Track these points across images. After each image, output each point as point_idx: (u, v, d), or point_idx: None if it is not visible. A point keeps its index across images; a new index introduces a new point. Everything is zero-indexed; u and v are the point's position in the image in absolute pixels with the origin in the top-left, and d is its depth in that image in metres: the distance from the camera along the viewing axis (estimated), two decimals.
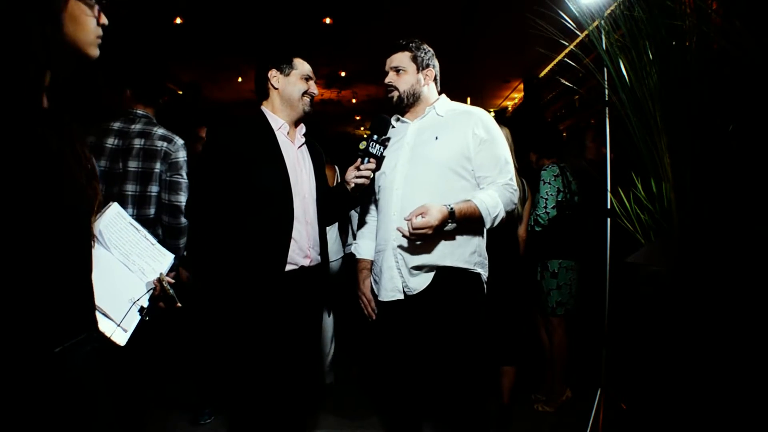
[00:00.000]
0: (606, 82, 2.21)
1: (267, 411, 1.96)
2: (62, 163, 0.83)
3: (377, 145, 1.95)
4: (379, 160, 1.98)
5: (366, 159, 1.95)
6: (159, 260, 1.55)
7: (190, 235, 2.41)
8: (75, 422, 0.87)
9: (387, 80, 2.04)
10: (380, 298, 2.00)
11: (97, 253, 1.33)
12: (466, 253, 1.92)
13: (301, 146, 2.09)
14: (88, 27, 0.92)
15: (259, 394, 1.94)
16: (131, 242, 1.50)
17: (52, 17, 0.85)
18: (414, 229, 1.78)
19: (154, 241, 1.57)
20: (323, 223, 2.09)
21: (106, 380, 0.96)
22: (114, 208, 1.50)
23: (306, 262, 1.99)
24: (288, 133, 2.05)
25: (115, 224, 1.47)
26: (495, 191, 1.91)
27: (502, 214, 1.90)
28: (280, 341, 1.94)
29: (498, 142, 1.97)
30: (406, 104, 2.04)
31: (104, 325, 1.25)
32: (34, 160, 0.78)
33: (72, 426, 0.86)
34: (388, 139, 2.03)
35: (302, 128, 2.11)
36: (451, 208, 1.82)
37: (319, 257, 2.05)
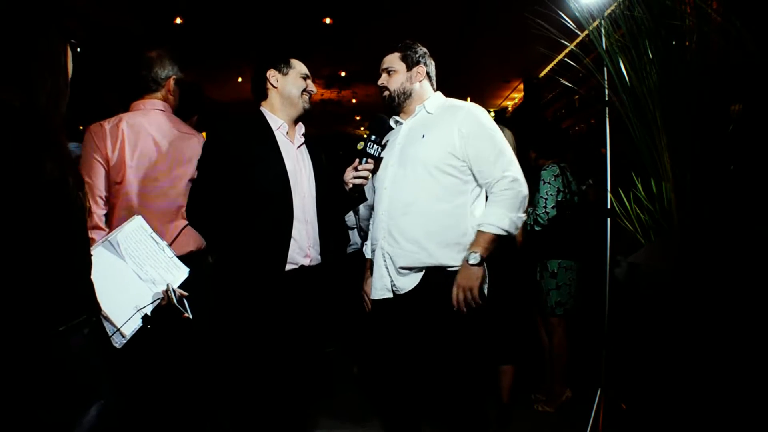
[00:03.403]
0: (606, 82, 2.21)
1: (267, 410, 1.96)
2: (63, 180, 1.02)
3: (375, 146, 1.95)
4: (377, 160, 1.99)
5: (364, 159, 1.95)
6: (173, 273, 1.62)
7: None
8: (72, 386, 1.01)
9: (379, 82, 2.07)
10: (371, 297, 2.01)
11: (112, 261, 1.48)
12: (453, 251, 1.91)
13: (300, 146, 2.10)
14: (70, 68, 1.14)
15: (258, 393, 1.94)
16: (148, 253, 1.59)
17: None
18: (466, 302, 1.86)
19: (171, 254, 1.65)
20: (323, 222, 2.09)
21: (104, 361, 1.09)
22: (137, 221, 1.61)
23: (306, 262, 2.00)
24: (287, 132, 2.06)
25: (134, 236, 1.58)
26: (495, 205, 1.89)
27: (515, 216, 1.88)
28: (281, 340, 1.94)
29: (487, 134, 1.93)
30: (398, 103, 2.04)
31: (105, 328, 1.32)
32: (40, 177, 1.00)
33: (70, 396, 1.01)
34: (387, 139, 2.03)
35: (301, 128, 2.12)
36: (478, 258, 1.85)
37: (319, 257, 2.06)
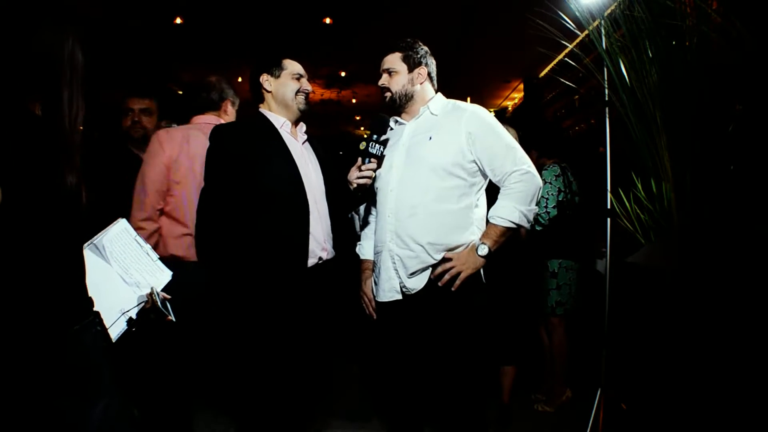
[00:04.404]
0: (606, 82, 2.21)
1: (277, 409, 1.98)
2: (76, 195, 1.08)
3: (377, 145, 1.95)
4: (380, 159, 1.99)
5: (367, 159, 1.95)
6: (156, 276, 1.66)
7: (205, 240, 2.42)
8: (84, 383, 1.08)
9: (380, 82, 2.06)
10: (379, 299, 2.00)
11: (97, 264, 1.50)
12: (460, 248, 1.91)
13: (304, 142, 2.12)
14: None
15: (274, 392, 1.97)
16: (132, 257, 1.62)
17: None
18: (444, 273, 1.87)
19: (155, 257, 1.69)
20: (334, 216, 2.11)
21: (110, 357, 1.16)
22: (121, 224, 1.64)
23: (324, 255, 2.03)
24: (290, 130, 2.08)
25: (119, 239, 1.60)
26: (506, 198, 1.90)
27: (525, 209, 1.89)
28: (302, 336, 1.97)
29: (494, 132, 1.93)
30: (400, 104, 2.04)
31: None
32: (62, 187, 1.06)
33: (82, 389, 1.08)
34: (388, 138, 2.03)
35: (302, 126, 2.13)
36: (486, 250, 1.88)
37: (333, 250, 2.09)
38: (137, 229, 2.07)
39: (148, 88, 2.78)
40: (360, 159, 1.96)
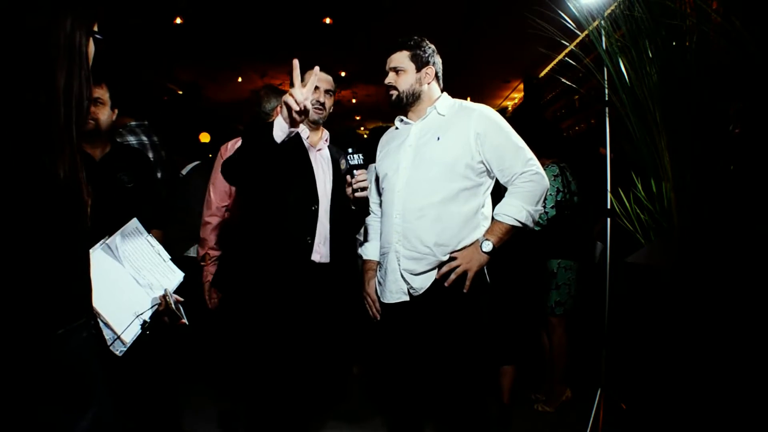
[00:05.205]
0: (606, 82, 2.21)
1: (280, 407, 2.04)
2: (69, 184, 1.02)
3: (356, 156, 1.95)
4: (366, 165, 2.00)
5: (353, 172, 1.95)
6: (168, 277, 1.63)
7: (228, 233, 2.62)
8: (71, 390, 1.00)
9: (387, 81, 2.04)
10: (385, 301, 1.99)
11: (110, 265, 1.47)
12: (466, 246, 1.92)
13: (320, 149, 2.22)
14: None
15: (274, 390, 2.04)
16: (144, 257, 1.59)
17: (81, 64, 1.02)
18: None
19: (167, 258, 1.65)
20: (336, 223, 2.15)
21: (102, 365, 1.07)
22: (133, 223, 1.61)
23: (316, 258, 2.07)
24: (308, 137, 2.19)
25: (131, 239, 1.57)
26: (513, 196, 1.89)
27: (532, 209, 1.89)
28: (298, 333, 2.04)
29: (503, 132, 1.92)
30: (406, 104, 2.03)
31: (105, 334, 1.31)
32: (47, 181, 0.99)
33: (67, 397, 0.99)
34: (364, 158, 2.04)
35: (325, 134, 2.26)
36: (490, 246, 1.87)
37: (329, 255, 2.11)
38: (205, 224, 2.47)
39: (100, 74, 2.59)
40: (348, 177, 1.96)
